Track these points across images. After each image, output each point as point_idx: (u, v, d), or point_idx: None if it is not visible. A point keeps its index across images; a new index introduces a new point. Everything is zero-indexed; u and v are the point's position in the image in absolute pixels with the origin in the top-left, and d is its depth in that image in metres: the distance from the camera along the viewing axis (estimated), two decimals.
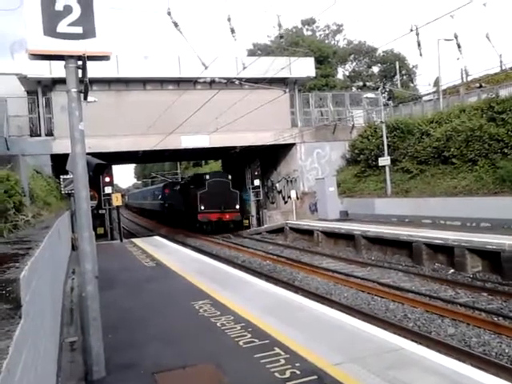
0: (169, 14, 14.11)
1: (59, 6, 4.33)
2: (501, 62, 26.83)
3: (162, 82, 23.22)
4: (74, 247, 14.91)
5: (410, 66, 54.08)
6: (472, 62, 60.02)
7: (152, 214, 47.36)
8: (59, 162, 17.62)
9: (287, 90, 22.18)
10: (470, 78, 30.89)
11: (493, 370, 5.89)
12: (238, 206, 26.26)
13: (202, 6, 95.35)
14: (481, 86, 26.49)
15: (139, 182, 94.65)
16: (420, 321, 8.56)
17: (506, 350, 6.86)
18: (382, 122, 22.10)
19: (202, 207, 25.58)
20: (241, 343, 5.52)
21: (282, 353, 5.11)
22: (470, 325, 8.04)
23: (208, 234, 25.70)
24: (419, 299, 9.80)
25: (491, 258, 11.93)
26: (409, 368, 4.62)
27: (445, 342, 7.32)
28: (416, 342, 6.36)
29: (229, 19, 14.13)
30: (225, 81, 18.04)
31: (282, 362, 4.86)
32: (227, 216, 25.88)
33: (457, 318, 8.39)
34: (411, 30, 12.62)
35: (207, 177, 26.96)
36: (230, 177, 26.96)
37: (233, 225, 26.52)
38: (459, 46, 22.45)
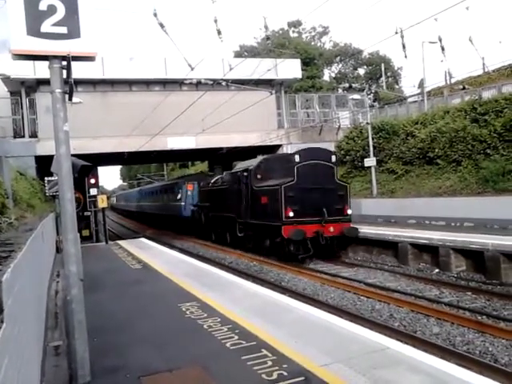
0: (155, 15, 14.06)
1: (43, 6, 4.28)
2: (483, 64, 27.29)
3: (147, 84, 23.11)
4: (58, 249, 14.73)
5: (395, 68, 54.74)
6: (455, 64, 60.81)
7: (160, 221, 34.92)
8: (44, 164, 17.40)
9: (274, 92, 22.21)
10: (453, 80, 31.33)
11: (476, 369, 5.97)
12: (349, 211, 15.67)
13: (189, 8, 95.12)
14: (464, 88, 26.87)
15: (125, 184, 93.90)
16: (405, 320, 8.63)
17: (490, 349, 6.95)
18: (367, 123, 22.28)
19: (291, 214, 14.68)
20: (228, 345, 5.50)
21: (269, 354, 5.11)
22: (455, 324, 8.13)
23: (296, 260, 15.10)
24: (405, 299, 9.89)
25: (475, 257, 12.09)
26: (395, 367, 4.65)
27: (430, 341, 7.39)
28: (402, 341, 6.41)
29: (215, 21, 14.13)
30: (211, 82, 18.01)
31: (269, 363, 4.86)
32: (332, 228, 15.03)
33: (442, 317, 8.48)
34: (396, 33, 12.76)
35: (297, 158, 15.19)
36: (333, 157, 15.90)
37: (337, 242, 15.53)
38: (443, 49, 22.77)
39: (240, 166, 18.92)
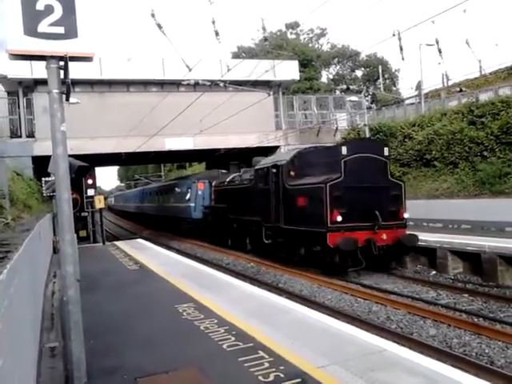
0: (153, 15, 14.05)
1: (40, 6, 4.26)
2: (480, 67, 27.41)
3: (145, 84, 23.09)
4: (55, 250, 14.70)
5: (393, 70, 54.89)
6: (452, 66, 61.02)
7: (166, 223, 31.83)
8: (41, 164, 17.38)
9: (271, 93, 22.22)
10: (450, 83, 31.41)
11: (473, 371, 5.97)
12: (406, 214, 13.24)
13: (187, 9, 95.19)
14: (461, 91, 26.96)
15: (122, 185, 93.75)
16: (402, 322, 8.63)
17: (486, 351, 6.96)
18: (365, 124, 22.34)
19: (339, 218, 12.08)
20: (224, 346, 5.49)
21: (266, 356, 5.10)
22: (451, 326, 8.14)
23: (343, 273, 12.69)
24: (402, 301, 9.89)
25: (472, 259, 12.12)
26: (391, 369, 4.65)
27: (426, 343, 7.40)
28: (398, 343, 6.42)
29: (213, 22, 14.13)
30: (209, 83, 18.01)
31: (266, 365, 4.85)
32: (384, 236, 12.48)
33: (438, 319, 8.49)
34: (393, 35, 12.79)
35: (344, 150, 12.53)
36: (386, 150, 13.34)
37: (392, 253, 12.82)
38: (440, 51, 22.86)
39: (265, 161, 16.23)
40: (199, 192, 23.71)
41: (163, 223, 32.84)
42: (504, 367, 6.38)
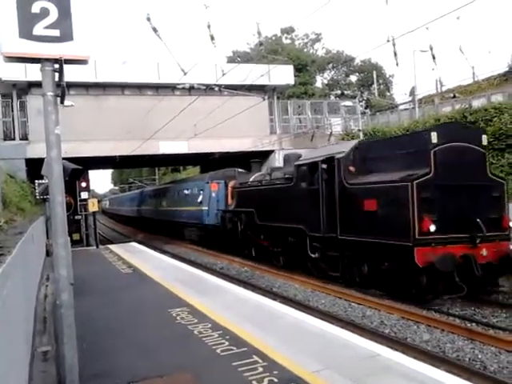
0: (148, 19, 14.05)
1: (35, 9, 4.26)
2: (473, 73, 27.63)
3: (140, 88, 23.08)
4: (48, 253, 14.60)
5: (387, 76, 55.26)
6: (446, 72, 61.50)
7: (171, 229, 28.59)
8: (34, 167, 17.28)
9: (266, 98, 22.27)
10: (444, 89, 31.63)
11: (466, 376, 5.99)
12: None
13: (182, 13, 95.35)
14: (454, 97, 27.16)
15: (116, 188, 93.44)
16: (396, 327, 8.64)
17: (479, 356, 6.97)
18: (359, 130, 22.44)
19: (431, 227, 9.15)
20: (218, 351, 5.47)
21: (260, 360, 5.09)
22: (445, 331, 8.15)
23: (432, 298, 9.88)
24: (395, 305, 9.90)
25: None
26: (385, 374, 4.66)
27: (420, 347, 7.41)
28: (392, 348, 6.42)
29: (208, 26, 14.15)
30: (204, 87, 18.02)
31: (260, 369, 4.84)
32: (485, 251, 9.48)
33: (432, 324, 8.50)
34: (388, 41, 12.85)
35: (433, 137, 9.45)
36: (484, 138, 10.40)
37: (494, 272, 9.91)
38: (434, 57, 22.95)
39: (309, 155, 13.40)
40: (213, 194, 20.63)
41: (167, 229, 29.71)
42: (497, 372, 6.40)
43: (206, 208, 21.02)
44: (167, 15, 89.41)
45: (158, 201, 32.38)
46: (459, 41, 51.11)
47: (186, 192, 25.09)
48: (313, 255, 12.69)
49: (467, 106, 20.80)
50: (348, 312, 9.90)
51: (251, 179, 17.52)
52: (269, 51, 40.64)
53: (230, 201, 19.20)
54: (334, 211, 11.45)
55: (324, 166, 12.02)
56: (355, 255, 11.07)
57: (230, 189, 19.33)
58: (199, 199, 21.97)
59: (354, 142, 12.25)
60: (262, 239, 15.98)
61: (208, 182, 21.15)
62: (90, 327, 6.58)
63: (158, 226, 32.28)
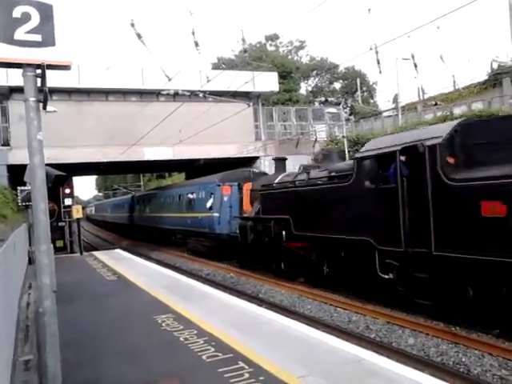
0: (132, 25, 14.04)
1: (17, 13, 4.22)
2: (454, 81, 28.14)
3: (124, 94, 22.98)
4: (31, 261, 14.37)
5: (371, 83, 55.87)
6: (428, 80, 62.47)
7: (172, 238, 25.99)
8: (17, 173, 17.04)
9: (251, 104, 22.38)
10: (426, 96, 32.13)
11: (450, 379, 6.04)
12: None
13: (167, 19, 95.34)
14: (436, 104, 27.61)
15: (101, 194, 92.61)
16: (381, 331, 8.68)
17: (463, 359, 7.05)
18: (343, 136, 22.61)
19: None
20: (204, 357, 5.44)
21: (246, 366, 5.07)
22: (429, 335, 8.22)
23: None
24: (380, 310, 9.95)
25: None
26: (371, 379, 4.67)
27: (405, 352, 7.46)
28: (377, 352, 6.45)
29: (193, 33, 14.19)
30: (188, 93, 18.02)
31: (246, 375, 4.82)
32: None
33: (417, 329, 8.56)
34: (371, 49, 13.04)
35: None
36: None
37: None
38: (416, 66, 23.36)
39: (374, 145, 10.32)
40: (225, 198, 18.25)
41: (164, 238, 27.07)
42: (480, 375, 6.48)
43: (217, 214, 18.33)
44: (151, 21, 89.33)
45: (153, 206, 29.13)
46: (440, 49, 52.04)
47: (190, 196, 21.97)
48: (385, 276, 9.57)
49: (448, 113, 21.13)
50: (334, 317, 9.93)
51: (277, 180, 14.59)
52: (253, 58, 40.84)
53: (246, 206, 16.70)
54: (424, 217, 8.44)
55: (402, 157, 9.17)
56: (459, 277, 8.19)
57: (246, 192, 16.78)
58: (208, 204, 19.06)
59: (445, 125, 9.28)
60: (301, 252, 12.75)
61: (220, 185, 18.54)
62: (73, 335, 6.48)
63: (154, 235, 29.19)
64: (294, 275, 13.50)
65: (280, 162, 16.07)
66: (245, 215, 16.48)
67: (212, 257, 19.18)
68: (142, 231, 32.33)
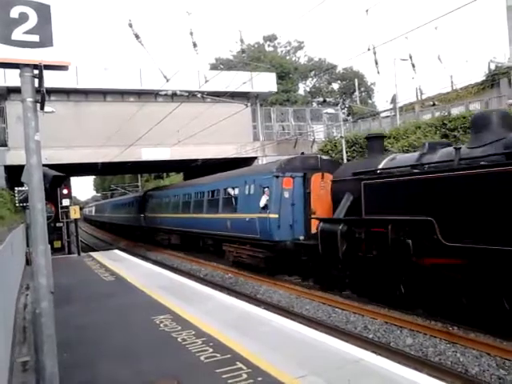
0: (130, 25, 14.01)
1: (14, 13, 4.20)
2: (452, 82, 28.21)
3: (122, 94, 22.95)
4: (28, 261, 14.34)
5: (369, 84, 55.98)
6: (426, 81, 62.58)
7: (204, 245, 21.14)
8: (14, 174, 17.00)
9: (249, 104, 22.37)
10: (424, 97, 32.20)
11: (448, 379, 6.05)
12: None
13: (165, 19, 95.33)
14: (434, 104, 27.66)
15: (99, 195, 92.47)
16: (380, 332, 8.69)
17: (461, 359, 7.06)
18: (341, 136, 22.59)
19: None
20: (202, 358, 5.43)
21: (244, 367, 5.06)
22: (427, 335, 8.23)
23: None
24: (379, 311, 9.96)
25: None
26: (369, 379, 4.68)
27: (403, 352, 7.46)
28: (376, 352, 6.45)
29: (191, 33, 14.18)
30: (186, 94, 18.00)
31: (244, 376, 4.82)
32: None
33: (415, 329, 8.57)
34: (369, 49, 13.04)
35: None
36: None
37: None
38: (414, 66, 23.40)
39: None
40: (285, 194, 13.90)
41: (189, 244, 22.83)
42: (478, 375, 6.49)
43: (276, 216, 13.78)
44: (149, 22, 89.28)
45: (172, 205, 24.55)
46: (438, 50, 52.13)
47: (230, 192, 17.26)
48: None
49: (446, 113, 21.17)
50: (332, 317, 9.93)
51: (382, 165, 10.80)
52: (251, 58, 40.86)
53: (315, 204, 13.26)
54: None
55: None
56: None
57: (315, 185, 13.42)
58: (262, 202, 14.39)
59: None
60: (451, 275, 8.48)
61: (278, 176, 14.02)
62: (71, 336, 6.47)
63: (171, 239, 25.10)
64: (413, 303, 9.54)
65: (377, 142, 12.11)
66: (314, 216, 12.93)
67: (268, 271, 14.63)
68: (155, 234, 28.16)
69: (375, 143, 12.09)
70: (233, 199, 17.03)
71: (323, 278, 12.20)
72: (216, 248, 19.06)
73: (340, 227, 10.91)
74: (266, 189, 14.46)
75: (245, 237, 15.60)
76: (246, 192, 15.84)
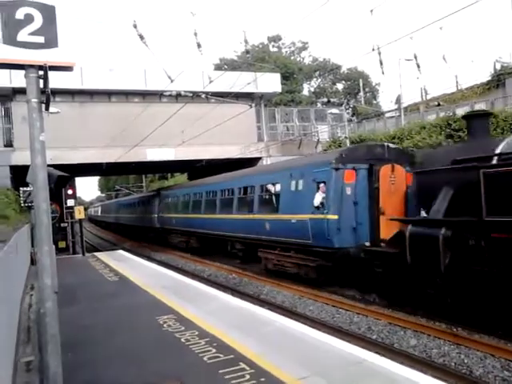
0: (135, 26, 14.03)
1: (20, 15, 4.24)
2: (457, 82, 28.10)
3: (127, 95, 23.01)
4: (33, 262, 14.40)
5: (373, 84, 55.91)
6: (431, 81, 62.41)
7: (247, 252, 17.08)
8: (19, 174, 17.08)
9: (253, 105, 22.37)
10: (428, 97, 32.08)
11: (452, 380, 6.03)
12: None
13: (169, 20, 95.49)
14: (439, 105, 27.55)
15: (103, 195, 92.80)
16: (383, 333, 8.67)
17: (465, 361, 7.03)
18: (346, 137, 22.60)
19: None
20: (205, 359, 5.44)
21: (248, 368, 5.06)
22: (431, 336, 8.20)
23: None
24: (382, 311, 9.93)
25: None
26: (372, 380, 4.67)
27: (407, 353, 7.44)
28: (379, 353, 6.44)
29: (195, 34, 14.17)
30: (191, 94, 18.02)
31: (248, 377, 4.82)
32: None
33: (418, 330, 8.55)
34: (373, 50, 12.99)
35: None
36: None
37: None
38: (418, 66, 23.26)
39: None
40: (347, 190, 11.43)
41: (212, 247, 20.71)
42: (482, 377, 6.46)
43: (336, 217, 11.31)
44: (154, 22, 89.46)
45: (193, 204, 22.00)
46: (443, 50, 51.91)
47: (269, 188, 14.94)
48: None
49: (451, 113, 21.08)
50: (336, 318, 9.91)
51: (500, 149, 8.38)
52: (256, 59, 40.87)
53: (385, 203, 10.88)
54: None
55: None
56: None
57: (384, 180, 10.96)
58: (317, 200, 11.96)
59: None
60: None
61: (338, 168, 11.45)
62: (75, 336, 6.49)
63: (190, 241, 22.68)
64: None
65: (481, 122, 9.68)
66: (393, 217, 10.39)
67: (319, 284, 12.33)
68: (169, 236, 26.12)
69: (479, 123, 9.54)
70: (273, 197, 14.56)
71: (394, 294, 10.06)
72: (246, 253, 16.87)
73: (442, 232, 8.36)
74: (322, 184, 11.90)
75: (290, 242, 13.07)
76: (293, 188, 13.24)
